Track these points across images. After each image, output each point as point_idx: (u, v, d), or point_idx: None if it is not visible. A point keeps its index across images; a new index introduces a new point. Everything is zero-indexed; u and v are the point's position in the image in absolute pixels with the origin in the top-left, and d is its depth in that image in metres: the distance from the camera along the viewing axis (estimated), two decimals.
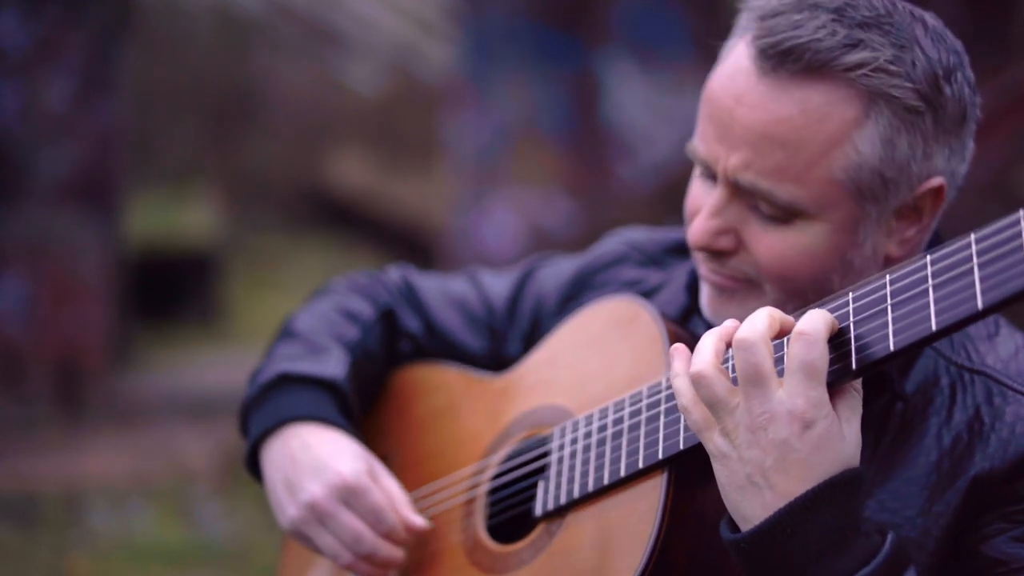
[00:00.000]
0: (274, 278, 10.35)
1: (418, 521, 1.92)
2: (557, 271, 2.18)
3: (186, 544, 5.58)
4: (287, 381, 2.06)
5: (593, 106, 7.06)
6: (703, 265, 1.80)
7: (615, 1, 6.97)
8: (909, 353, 1.46)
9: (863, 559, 1.46)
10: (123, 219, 8.12)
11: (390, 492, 1.93)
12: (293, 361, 2.08)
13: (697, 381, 1.50)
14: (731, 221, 1.73)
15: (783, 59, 1.65)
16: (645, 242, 2.10)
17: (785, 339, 1.51)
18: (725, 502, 1.52)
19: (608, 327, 1.89)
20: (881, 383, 1.70)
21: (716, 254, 1.76)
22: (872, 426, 1.68)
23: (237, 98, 11.58)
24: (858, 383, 1.50)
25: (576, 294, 2.10)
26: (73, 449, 6.59)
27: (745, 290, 1.76)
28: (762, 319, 1.49)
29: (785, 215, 1.69)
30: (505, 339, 2.18)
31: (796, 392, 1.45)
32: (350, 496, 1.91)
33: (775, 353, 1.50)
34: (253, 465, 2.07)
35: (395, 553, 1.91)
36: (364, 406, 2.15)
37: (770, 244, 1.71)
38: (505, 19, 7.22)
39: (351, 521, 1.90)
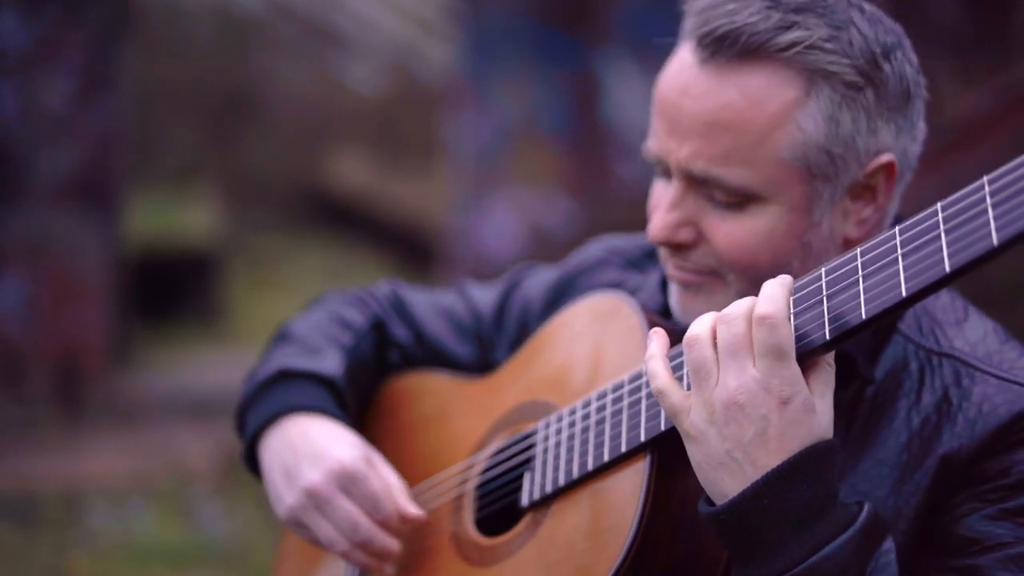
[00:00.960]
0: (274, 278, 10.35)
1: (414, 510, 1.93)
2: (541, 279, 2.22)
3: (186, 544, 5.58)
4: (285, 377, 2.08)
5: (593, 106, 7.06)
6: (668, 263, 1.83)
7: (615, 1, 6.97)
8: (882, 321, 1.48)
9: (842, 526, 1.49)
10: (123, 219, 8.13)
11: (387, 481, 1.94)
12: (291, 359, 2.11)
13: (690, 343, 1.53)
14: (689, 213, 1.77)
15: (719, 45, 1.71)
16: (625, 247, 2.14)
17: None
18: (702, 481, 1.54)
19: (590, 322, 1.91)
20: (852, 370, 1.73)
21: (678, 248, 1.80)
22: (843, 412, 1.71)
23: (237, 98, 11.59)
24: (831, 357, 1.53)
25: (559, 298, 2.12)
26: (73, 449, 6.60)
27: (710, 284, 1.80)
28: (744, 301, 1.52)
29: (739, 200, 1.73)
30: (493, 347, 2.21)
31: (770, 373, 1.48)
32: (348, 482, 1.92)
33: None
34: (251, 461, 2.09)
35: (391, 543, 1.92)
36: (357, 414, 2.17)
37: (728, 232, 1.75)
38: (505, 19, 7.23)
39: (348, 508, 1.91)
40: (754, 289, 1.69)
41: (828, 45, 1.69)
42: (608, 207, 6.80)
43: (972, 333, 1.75)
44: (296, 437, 1.99)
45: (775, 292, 1.50)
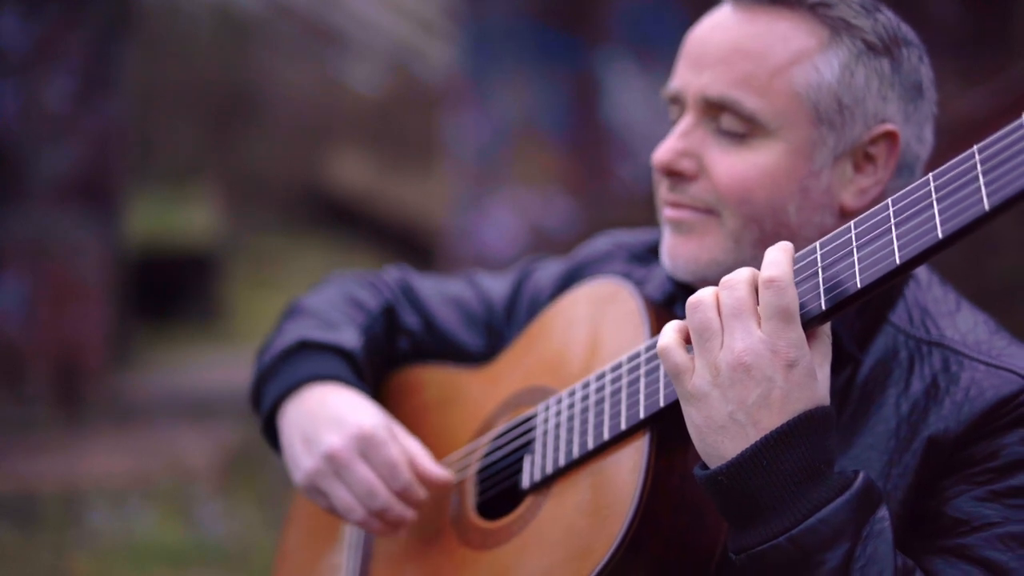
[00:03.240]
0: (274, 278, 10.35)
1: (440, 472, 1.93)
2: (550, 271, 2.23)
3: (186, 544, 5.58)
4: (305, 348, 2.09)
5: (593, 106, 7.06)
6: (666, 198, 1.87)
7: (615, 1, 6.97)
8: (878, 290, 1.50)
9: (838, 489, 1.51)
10: (123, 219, 8.13)
11: (410, 449, 1.94)
12: (310, 331, 2.11)
13: (693, 306, 1.54)
14: (694, 145, 1.83)
15: None
16: (631, 241, 2.16)
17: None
18: (700, 446, 1.55)
19: (589, 307, 1.93)
20: (842, 358, 1.76)
21: (678, 180, 1.84)
22: (834, 399, 1.73)
23: (237, 98, 11.59)
24: (827, 328, 1.55)
25: (567, 287, 2.13)
26: (73, 449, 6.59)
27: (703, 224, 1.83)
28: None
29: (746, 131, 1.79)
30: (503, 337, 2.21)
31: (776, 335, 1.50)
32: (367, 447, 1.92)
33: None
34: (270, 434, 2.09)
35: (407, 512, 1.92)
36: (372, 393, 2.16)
37: (729, 165, 1.80)
38: (505, 19, 7.22)
39: (366, 474, 1.91)
40: (747, 229, 1.78)
41: (856, 9, 1.80)
42: (608, 207, 6.80)
43: (963, 323, 1.78)
44: (316, 404, 2.00)
45: (779, 257, 1.52)
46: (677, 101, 1.87)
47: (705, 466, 1.56)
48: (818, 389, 1.52)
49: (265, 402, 2.08)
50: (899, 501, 1.69)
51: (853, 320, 1.78)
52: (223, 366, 7.72)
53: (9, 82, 7.33)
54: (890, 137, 1.81)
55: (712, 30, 1.84)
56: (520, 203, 7.28)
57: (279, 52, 11.83)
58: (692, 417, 1.55)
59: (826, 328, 1.55)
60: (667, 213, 1.87)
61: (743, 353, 1.50)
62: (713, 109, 1.81)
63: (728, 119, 1.80)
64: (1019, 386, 1.68)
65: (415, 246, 10.29)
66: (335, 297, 2.22)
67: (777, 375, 1.49)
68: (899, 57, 1.81)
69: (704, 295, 1.55)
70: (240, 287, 9.86)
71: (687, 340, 1.58)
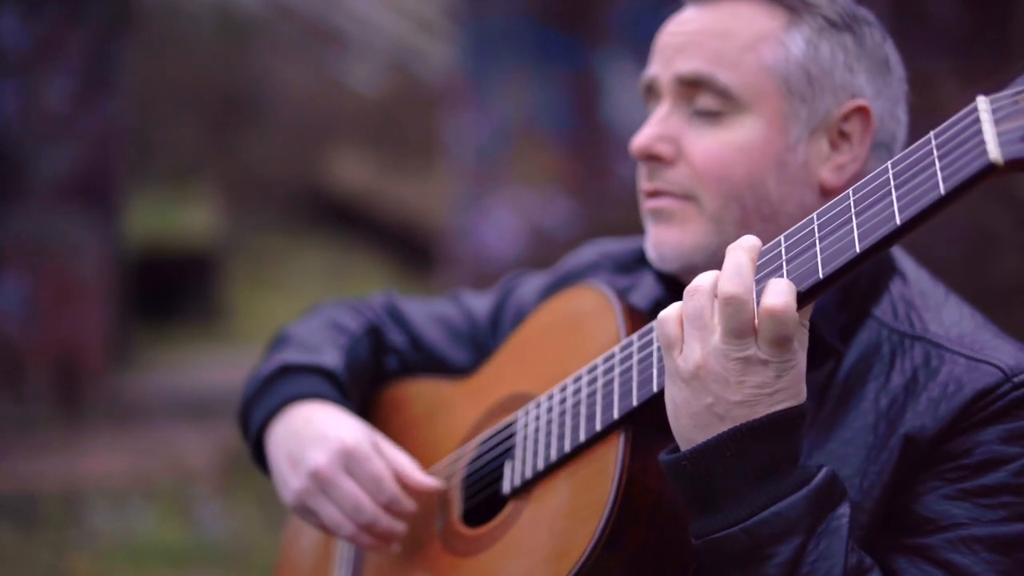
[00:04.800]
0: (274, 278, 10.36)
1: (428, 481, 1.94)
2: (533, 284, 2.26)
3: (186, 544, 5.59)
4: (287, 371, 2.11)
5: (593, 106, 7.06)
6: (645, 188, 1.89)
7: (615, 1, 6.97)
8: (841, 278, 1.50)
9: (796, 485, 1.52)
10: (123, 219, 8.13)
11: (395, 461, 1.95)
12: (291, 355, 2.14)
13: (692, 292, 1.53)
14: (672, 130, 1.86)
15: None
16: (617, 251, 2.18)
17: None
18: (674, 423, 1.56)
19: (566, 313, 1.95)
20: (825, 352, 1.76)
21: (656, 165, 1.87)
22: (814, 392, 1.74)
23: (237, 98, 11.59)
24: (805, 319, 1.53)
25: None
26: (73, 449, 6.60)
27: (683, 211, 1.85)
28: (747, 266, 1.51)
29: (721, 109, 1.82)
30: (489, 352, 2.23)
31: (771, 354, 1.50)
32: (351, 462, 1.93)
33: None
34: (259, 459, 2.10)
35: (396, 525, 1.93)
36: (357, 412, 2.18)
37: (706, 146, 1.83)
38: (505, 19, 7.22)
39: (352, 489, 1.92)
40: (728, 209, 1.80)
41: None
42: (608, 207, 6.80)
43: (948, 317, 1.78)
44: (300, 423, 2.01)
45: (784, 289, 1.49)
46: (652, 91, 1.92)
47: (671, 452, 1.58)
48: (801, 390, 1.53)
49: (252, 427, 2.10)
50: (876, 500, 1.69)
51: (836, 313, 1.78)
52: (223, 366, 7.72)
53: (9, 82, 7.34)
54: (862, 113, 1.83)
55: (679, 24, 1.89)
56: (520, 203, 7.28)
57: (279, 52, 11.83)
58: (673, 395, 1.56)
59: (804, 318, 1.53)
60: (647, 204, 1.89)
61: (736, 358, 1.50)
62: (688, 89, 1.85)
63: (703, 97, 1.83)
64: (997, 379, 1.66)
65: (415, 246, 10.29)
66: (318, 323, 2.25)
67: (767, 383, 1.50)
68: (860, 33, 1.84)
69: (703, 282, 1.54)
70: (240, 287, 9.87)
71: None
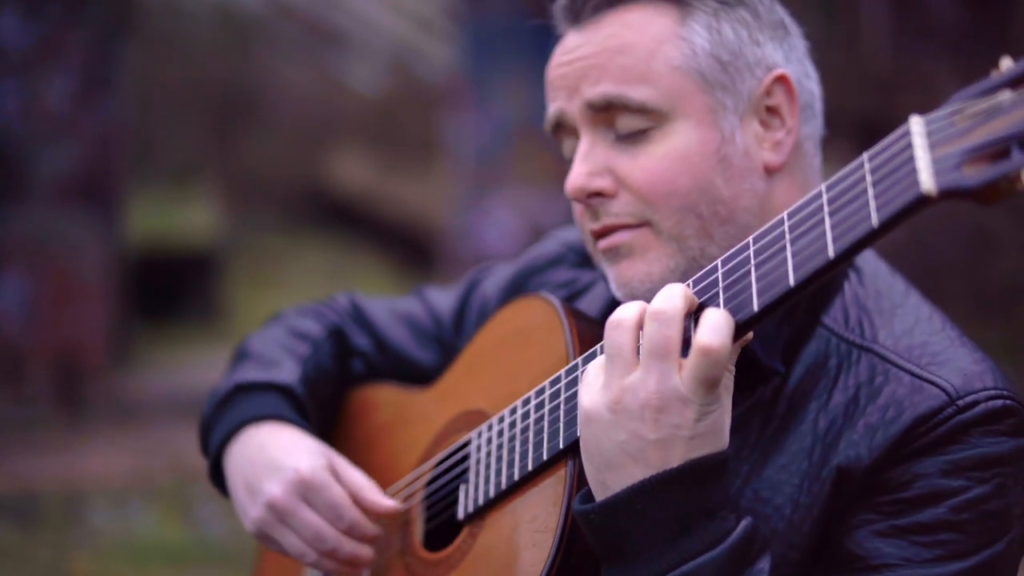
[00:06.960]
0: (274, 278, 10.36)
1: (388, 503, 1.90)
2: (498, 277, 2.20)
3: (186, 544, 5.59)
4: (241, 391, 2.07)
5: None
6: (593, 229, 1.78)
7: None
8: (775, 312, 1.42)
9: (710, 542, 1.44)
10: (123, 218, 8.13)
11: (354, 484, 1.91)
12: (247, 373, 2.10)
13: (613, 325, 1.47)
14: (600, 161, 1.75)
15: (583, 4, 1.78)
16: (580, 242, 2.10)
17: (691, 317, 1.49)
18: (586, 464, 1.49)
19: (517, 326, 1.90)
20: (762, 375, 1.67)
21: (599, 202, 1.76)
22: (759, 411, 1.67)
23: (237, 98, 11.60)
24: (733, 359, 1.46)
25: (514, 295, 2.11)
26: (73, 449, 6.60)
27: (641, 241, 1.75)
28: (678, 295, 1.45)
29: (644, 127, 1.72)
30: (454, 350, 2.19)
31: (694, 393, 1.43)
32: (308, 492, 1.89)
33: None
34: (219, 480, 2.07)
35: (359, 550, 1.90)
36: (321, 425, 2.16)
37: (642, 167, 1.72)
38: (505, 19, 7.22)
39: (311, 518, 1.89)
40: (686, 223, 1.70)
41: None
42: None
43: (901, 323, 1.69)
44: (254, 449, 1.97)
45: (722, 326, 1.42)
46: (562, 127, 1.80)
47: (585, 499, 1.51)
48: (723, 437, 1.45)
49: (210, 449, 2.06)
50: (806, 535, 1.60)
51: (780, 326, 1.69)
52: (223, 366, 7.72)
53: (9, 82, 7.34)
54: (783, 82, 1.76)
55: (568, 53, 1.78)
56: (520, 203, 7.28)
57: (279, 52, 11.84)
58: (584, 436, 1.50)
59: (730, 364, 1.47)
60: (601, 245, 1.78)
61: (654, 394, 1.43)
62: (602, 114, 1.75)
63: (624, 119, 1.74)
64: (941, 402, 1.57)
65: (415, 246, 10.30)
66: (278, 333, 2.21)
67: (685, 424, 1.43)
68: (752, 3, 1.77)
69: (627, 315, 1.47)
70: (240, 287, 9.87)
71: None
